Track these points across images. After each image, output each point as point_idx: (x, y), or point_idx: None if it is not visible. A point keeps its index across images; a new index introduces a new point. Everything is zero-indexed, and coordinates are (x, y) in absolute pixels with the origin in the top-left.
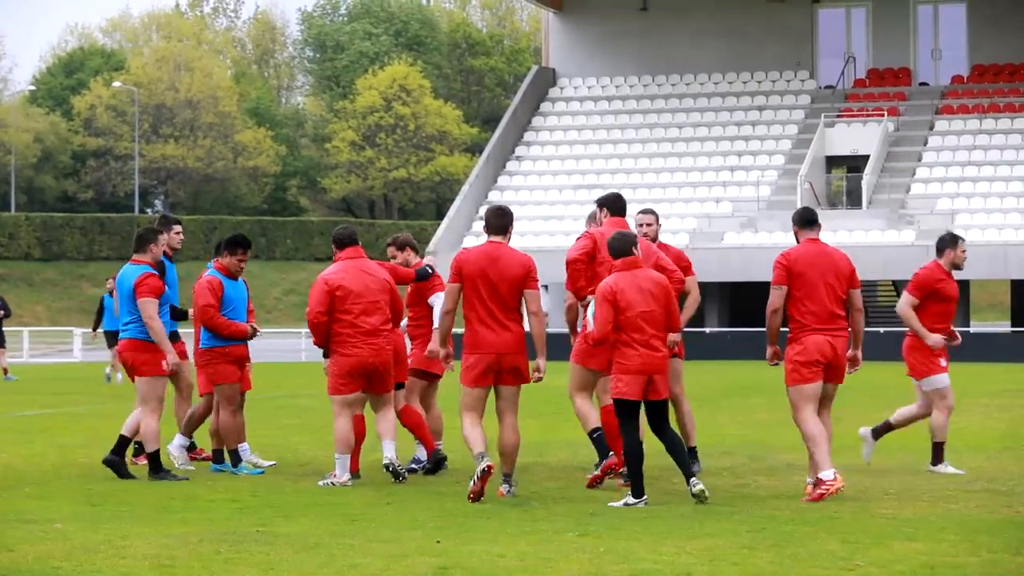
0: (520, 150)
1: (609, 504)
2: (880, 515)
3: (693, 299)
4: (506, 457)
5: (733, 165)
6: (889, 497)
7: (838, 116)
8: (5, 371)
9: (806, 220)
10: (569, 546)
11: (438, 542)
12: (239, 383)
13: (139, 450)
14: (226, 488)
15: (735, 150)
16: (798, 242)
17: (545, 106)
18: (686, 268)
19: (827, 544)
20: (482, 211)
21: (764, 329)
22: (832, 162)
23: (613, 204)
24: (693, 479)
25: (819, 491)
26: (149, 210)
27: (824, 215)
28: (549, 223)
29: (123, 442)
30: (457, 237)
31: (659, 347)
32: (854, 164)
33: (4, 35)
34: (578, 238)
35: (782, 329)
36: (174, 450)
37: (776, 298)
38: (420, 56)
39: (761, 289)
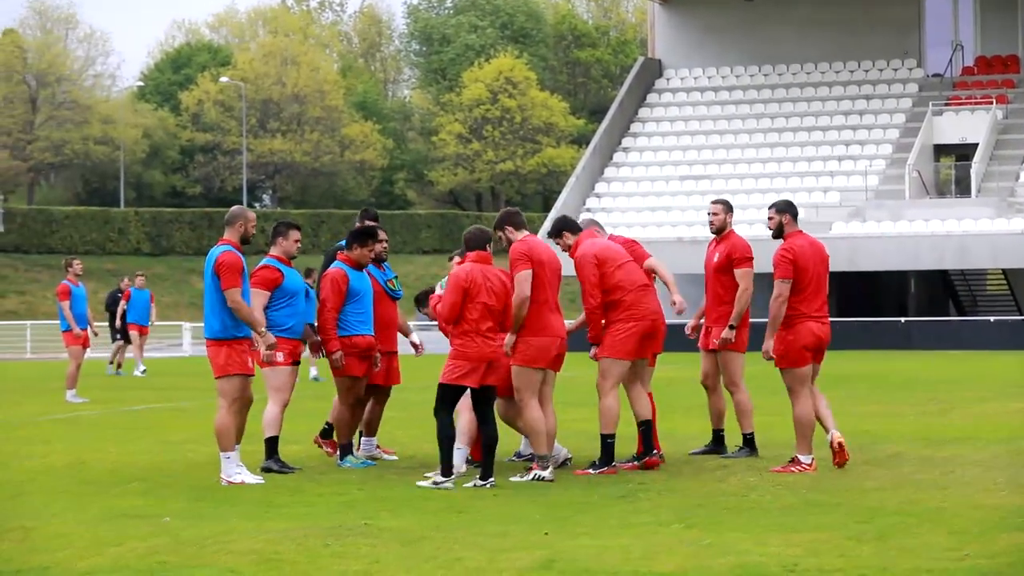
0: (627, 141)
1: (418, 484)
2: (987, 506)
3: (742, 290)
4: (552, 439)
5: (840, 155)
6: (997, 487)
7: (946, 104)
8: (119, 365)
9: (796, 214)
10: (673, 538)
11: (545, 534)
12: (364, 378)
13: (327, 432)
14: (332, 482)
15: (842, 140)
16: (781, 231)
17: (652, 97)
18: (741, 260)
19: (934, 536)
20: (589, 203)
21: (873, 319)
22: (940, 151)
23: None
24: (490, 479)
25: (793, 468)
26: (257, 204)
27: (933, 204)
28: (656, 214)
29: (271, 443)
30: None
31: (495, 338)
32: (963, 152)
33: (112, 32)
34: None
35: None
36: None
37: (785, 290)
38: (526, 48)
39: (870, 279)
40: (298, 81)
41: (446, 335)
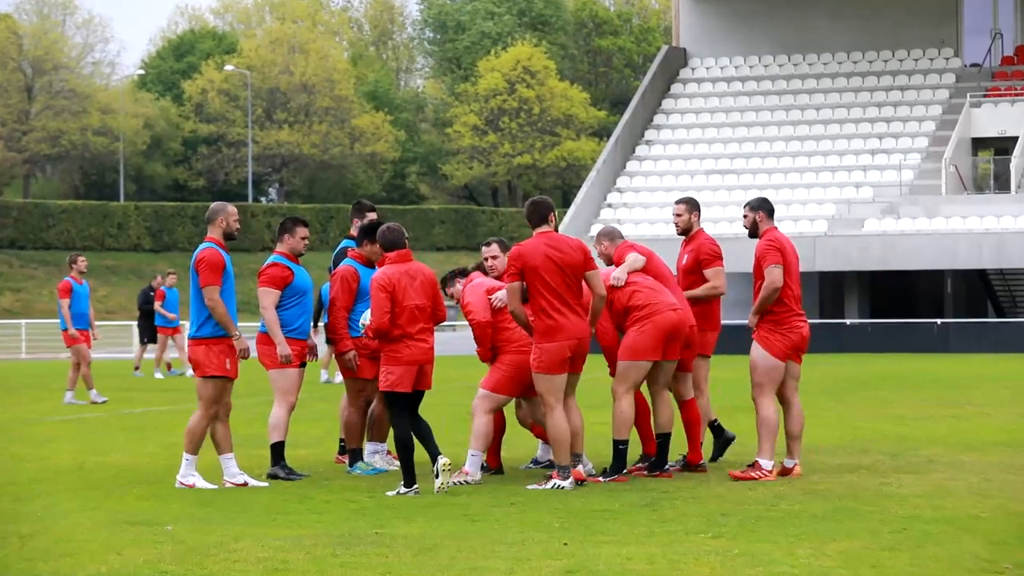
0: (650, 134)
1: (387, 494)
2: None
3: (710, 287)
4: (579, 438)
5: (874, 148)
6: None
7: (984, 96)
8: (169, 365)
9: (771, 210)
10: (700, 548)
11: (565, 544)
12: (375, 380)
13: (342, 449)
14: (342, 488)
15: (876, 133)
16: (756, 230)
17: (676, 88)
18: (710, 260)
19: (970, 545)
20: (610, 198)
21: (907, 320)
22: (978, 144)
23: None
24: (411, 489)
25: (753, 473)
26: (263, 198)
27: (970, 200)
28: None
29: (277, 449)
30: (584, 225)
31: (427, 339)
32: (1002, 146)
33: (112, 17)
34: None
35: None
36: (368, 457)
37: (779, 276)
38: (545, 36)
39: (904, 279)
40: (306, 70)
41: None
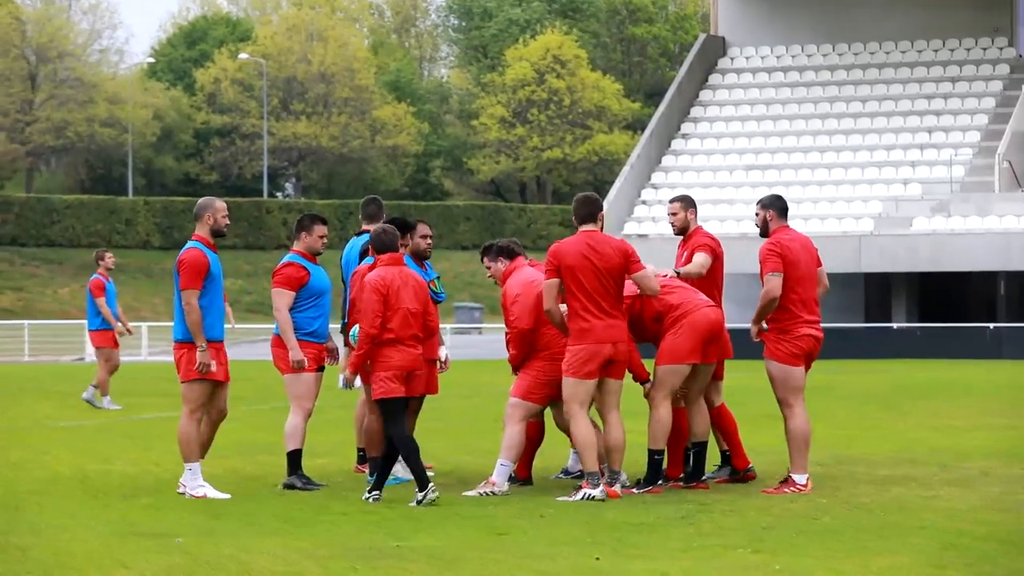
0: (686, 127)
1: (410, 504)
2: None
3: (698, 264)
4: (619, 454)
5: (923, 143)
6: None
7: None
8: None
9: (784, 209)
10: (739, 563)
11: (596, 559)
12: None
13: (361, 458)
14: (360, 499)
15: (925, 126)
16: (767, 228)
17: (714, 78)
18: (700, 245)
19: None
20: (645, 194)
21: (958, 324)
22: None
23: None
24: (427, 491)
25: (787, 488)
26: (279, 194)
27: None
28: (718, 207)
29: (294, 457)
30: (617, 223)
31: (418, 345)
32: None
33: (120, 3)
34: None
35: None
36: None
37: (776, 285)
38: (576, 24)
39: (955, 281)
40: (324, 58)
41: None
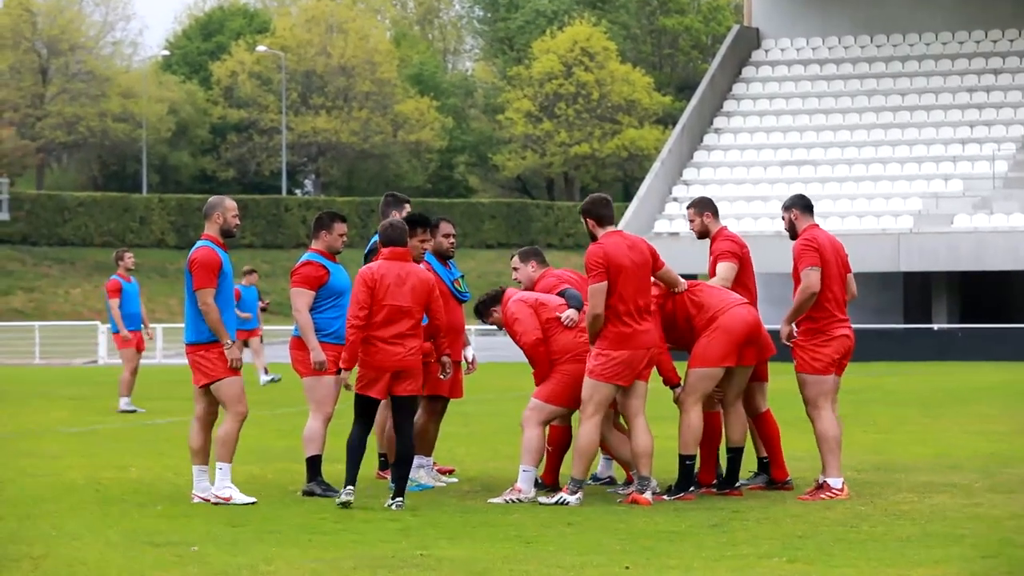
0: (719, 121)
1: (336, 503)
2: None
3: (721, 278)
4: (648, 459)
5: (964, 137)
6: None
7: None
8: (265, 370)
9: (808, 206)
10: (774, 573)
11: (627, 568)
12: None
13: (383, 463)
14: (383, 506)
15: (966, 120)
16: (795, 229)
17: (748, 71)
18: (722, 254)
19: None
20: (676, 191)
21: (1002, 326)
22: None
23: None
24: (398, 499)
25: (822, 495)
26: (298, 191)
27: None
28: (752, 205)
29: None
30: (647, 221)
31: (405, 344)
32: None
33: None
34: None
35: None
36: (413, 472)
37: (816, 280)
38: (605, 15)
39: (998, 280)
40: (345, 51)
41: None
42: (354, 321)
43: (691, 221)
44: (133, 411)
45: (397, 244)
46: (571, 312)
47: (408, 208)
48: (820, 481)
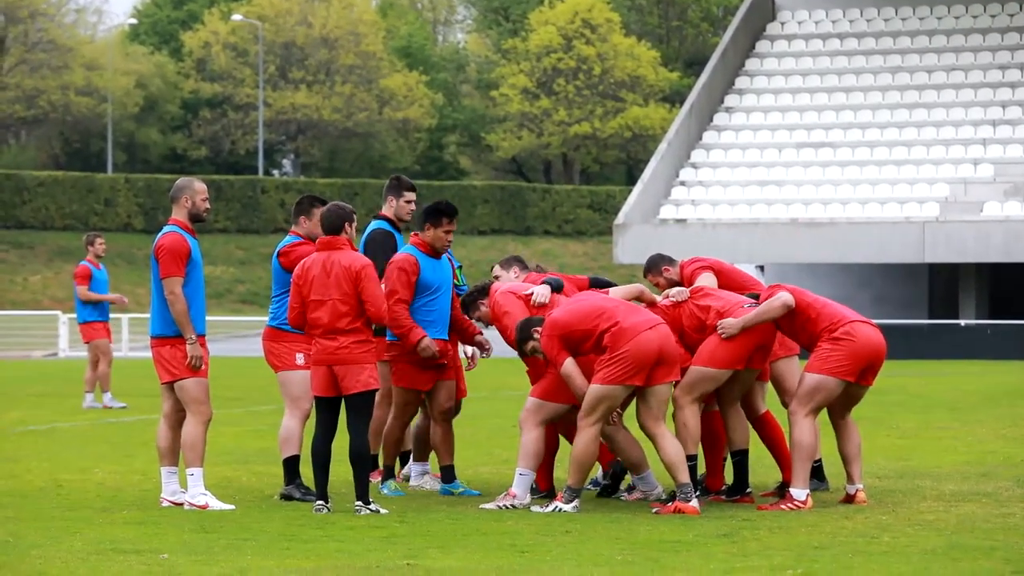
0: (731, 100)
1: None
2: None
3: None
4: (683, 465)
5: (995, 119)
6: None
7: None
8: None
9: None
10: None
11: None
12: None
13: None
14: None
15: (997, 100)
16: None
17: (762, 45)
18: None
19: None
20: (683, 174)
21: None
22: None
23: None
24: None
25: (783, 505)
26: (276, 171)
27: None
28: (766, 190)
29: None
30: (652, 206)
31: (339, 339)
32: None
33: None
34: None
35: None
36: (415, 480)
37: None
38: None
39: None
40: (327, 21)
41: None
42: (290, 322)
43: (656, 285)
44: (119, 407)
45: (332, 231)
46: (542, 288)
47: (408, 196)
48: (852, 491)
